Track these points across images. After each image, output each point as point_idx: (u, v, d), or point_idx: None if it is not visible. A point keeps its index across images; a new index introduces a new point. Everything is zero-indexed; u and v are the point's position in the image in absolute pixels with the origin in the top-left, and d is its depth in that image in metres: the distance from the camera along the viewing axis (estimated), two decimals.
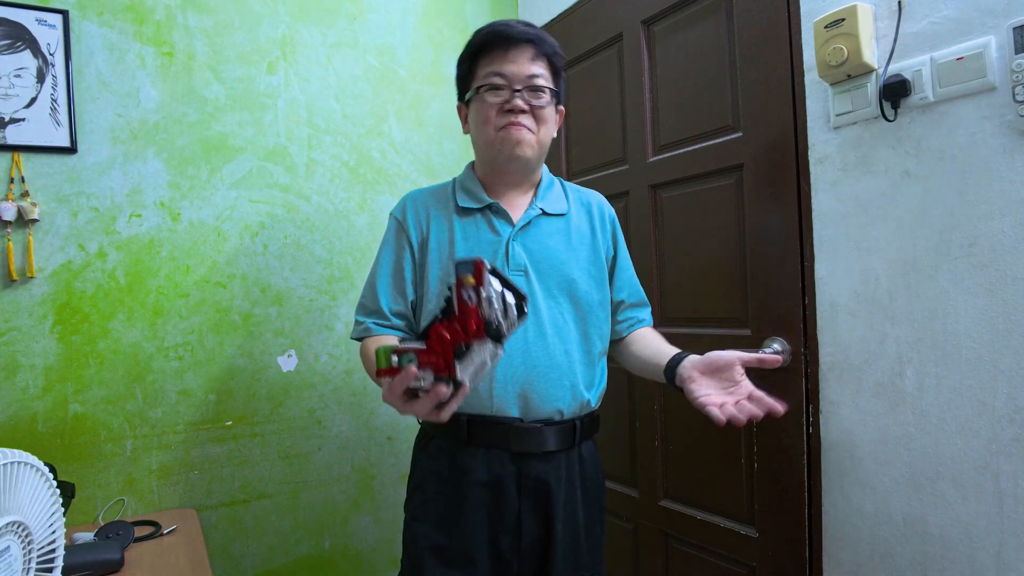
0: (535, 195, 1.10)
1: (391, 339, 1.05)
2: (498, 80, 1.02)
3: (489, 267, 0.72)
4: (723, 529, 1.37)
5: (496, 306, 0.71)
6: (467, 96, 1.08)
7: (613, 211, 1.19)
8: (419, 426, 1.12)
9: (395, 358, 0.72)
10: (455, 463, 1.01)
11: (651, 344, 1.12)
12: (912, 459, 1.05)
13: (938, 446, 1.01)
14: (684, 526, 1.46)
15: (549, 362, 1.00)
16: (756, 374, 1.30)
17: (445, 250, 1.05)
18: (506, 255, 1.03)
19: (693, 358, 0.98)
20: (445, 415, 0.75)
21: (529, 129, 1.03)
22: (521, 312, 0.74)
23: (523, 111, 1.02)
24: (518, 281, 1.02)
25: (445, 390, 0.71)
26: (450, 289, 0.72)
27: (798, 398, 1.22)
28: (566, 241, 1.08)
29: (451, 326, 0.70)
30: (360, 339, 1.09)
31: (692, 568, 1.45)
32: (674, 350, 1.05)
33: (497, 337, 0.71)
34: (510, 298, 0.73)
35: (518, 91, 1.01)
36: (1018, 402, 0.92)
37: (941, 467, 1.01)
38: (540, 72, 1.03)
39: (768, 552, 1.27)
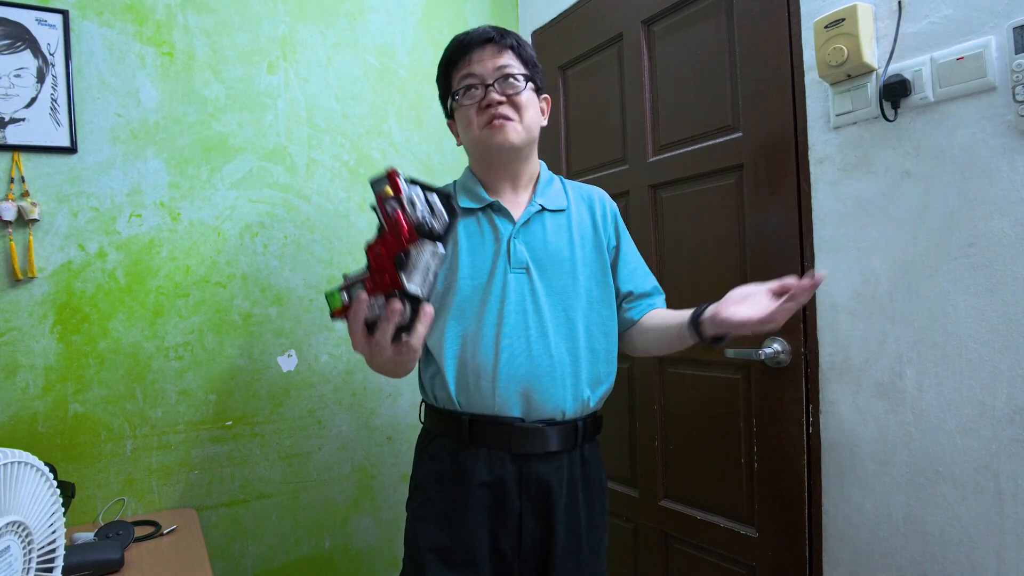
0: (534, 192, 1.10)
1: None
2: (470, 80, 1.04)
3: (405, 176, 0.70)
4: (723, 529, 1.37)
5: (420, 207, 0.70)
6: (448, 106, 1.10)
7: (615, 205, 1.19)
8: (421, 426, 1.12)
9: (344, 295, 0.69)
10: (457, 463, 1.01)
11: (668, 314, 1.08)
12: (912, 459, 1.05)
13: (938, 446, 1.01)
14: (684, 526, 1.46)
15: (551, 361, 1.00)
16: (758, 371, 1.30)
17: (449, 250, 1.05)
18: (508, 253, 1.03)
19: (717, 302, 0.93)
20: (415, 340, 0.71)
21: (509, 118, 1.03)
22: (451, 210, 0.72)
23: (500, 102, 1.02)
24: (520, 279, 1.02)
25: (399, 306, 0.67)
26: (373, 209, 0.70)
27: (798, 398, 1.22)
28: (568, 237, 1.08)
29: (384, 240, 0.68)
30: None
31: (692, 568, 1.45)
32: (692, 309, 1.00)
33: (431, 236, 0.69)
34: (435, 199, 0.71)
35: (490, 85, 1.03)
36: (1018, 402, 0.92)
37: (941, 467, 1.01)
38: (508, 63, 1.04)
39: (768, 552, 1.27)
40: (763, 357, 1.25)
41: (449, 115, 1.13)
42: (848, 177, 1.13)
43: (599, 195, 1.18)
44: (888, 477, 1.08)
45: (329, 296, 0.70)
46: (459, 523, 0.99)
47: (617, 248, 1.15)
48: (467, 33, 1.07)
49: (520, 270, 1.03)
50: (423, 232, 0.69)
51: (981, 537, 0.96)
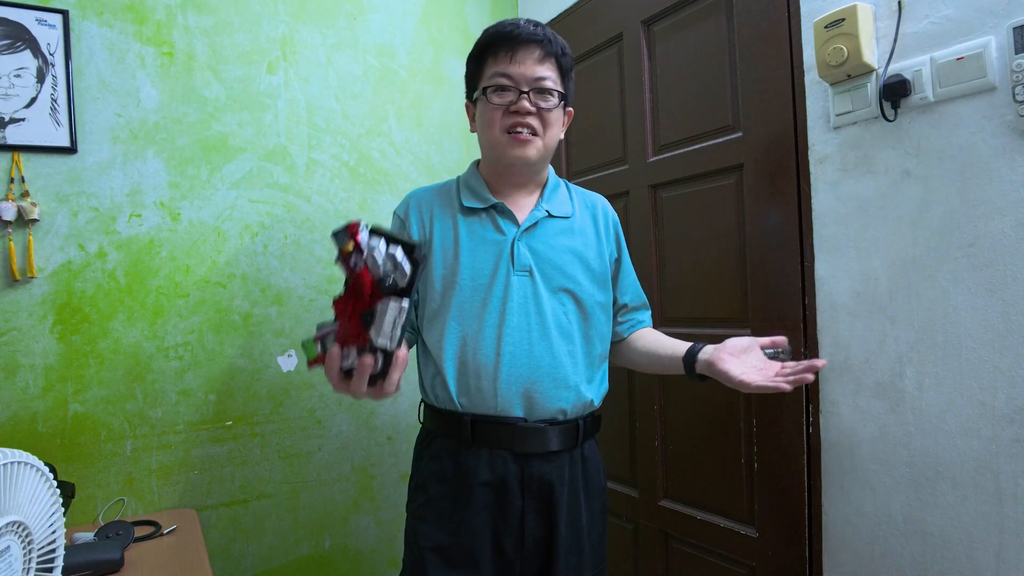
0: (541, 196, 1.10)
1: None
2: (504, 81, 1.01)
3: (367, 226, 0.70)
4: (723, 529, 1.37)
5: (382, 262, 0.70)
6: (474, 96, 1.08)
7: (615, 214, 1.20)
8: (421, 426, 1.12)
9: (318, 346, 0.71)
10: (458, 463, 1.01)
11: (660, 339, 1.15)
12: (912, 459, 1.05)
13: (938, 446, 1.01)
14: (684, 526, 1.46)
15: (553, 362, 1.00)
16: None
17: (449, 249, 1.05)
18: (511, 255, 1.03)
19: (713, 345, 1.02)
20: (389, 387, 0.73)
21: (534, 132, 1.02)
22: (413, 261, 0.71)
23: (529, 112, 1.01)
24: (523, 281, 1.02)
25: (370, 361, 0.70)
26: (337, 263, 0.71)
27: (798, 398, 1.22)
28: (571, 243, 1.08)
29: (349, 298, 0.69)
30: None
31: (692, 568, 1.45)
32: (687, 343, 1.08)
33: (394, 291, 0.69)
34: (398, 252, 0.70)
35: (524, 93, 1.00)
36: (1018, 402, 0.92)
37: (941, 467, 1.01)
38: (547, 74, 1.02)
39: (768, 552, 1.27)
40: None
41: (471, 98, 1.10)
42: (848, 177, 1.13)
43: (602, 203, 1.19)
44: (888, 477, 1.08)
45: (305, 345, 0.73)
46: (461, 522, 0.99)
47: (619, 260, 1.18)
48: (516, 25, 1.03)
49: (523, 272, 1.03)
50: (386, 289, 0.69)
51: (981, 537, 0.96)
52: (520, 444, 0.99)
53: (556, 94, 1.03)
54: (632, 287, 1.20)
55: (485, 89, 1.03)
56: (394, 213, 1.14)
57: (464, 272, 1.03)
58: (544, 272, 1.04)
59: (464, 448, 1.01)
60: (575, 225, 1.10)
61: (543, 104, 1.02)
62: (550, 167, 1.15)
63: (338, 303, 0.70)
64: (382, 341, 0.70)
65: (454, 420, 1.01)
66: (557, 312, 1.03)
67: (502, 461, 0.99)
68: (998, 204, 0.93)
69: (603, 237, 1.13)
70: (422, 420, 1.11)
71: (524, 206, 1.09)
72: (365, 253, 0.69)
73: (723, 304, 1.38)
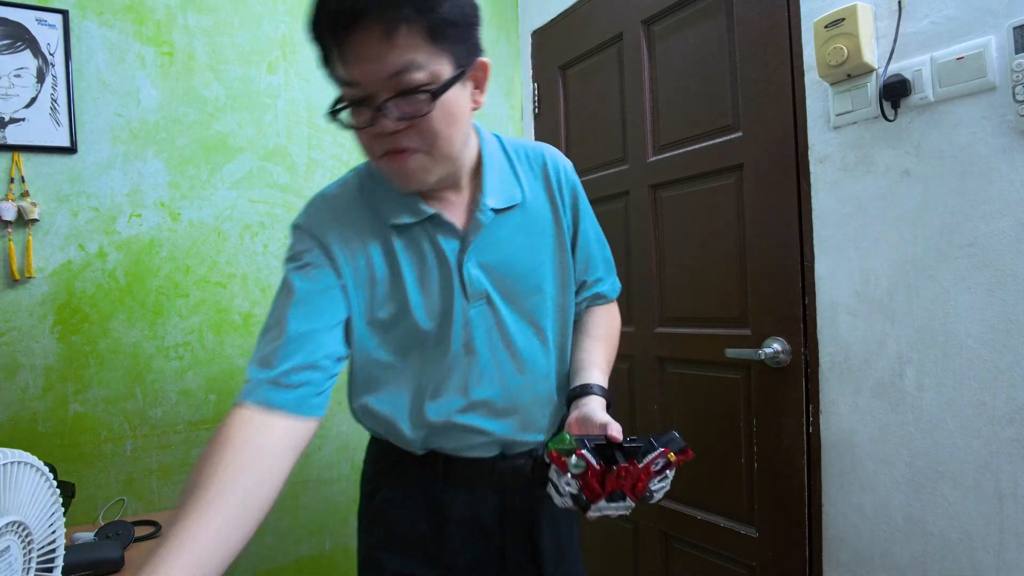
0: (480, 189, 0.82)
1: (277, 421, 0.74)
2: (353, 92, 0.70)
3: (682, 460, 0.78)
4: (723, 529, 1.37)
5: (663, 487, 0.77)
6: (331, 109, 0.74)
7: (570, 171, 0.92)
8: (370, 435, 0.96)
9: (574, 458, 0.72)
10: (428, 497, 0.89)
11: (581, 342, 0.93)
12: (912, 459, 1.05)
13: (938, 446, 1.01)
14: (684, 526, 1.46)
15: (533, 396, 0.88)
16: (758, 371, 1.30)
17: (386, 282, 0.81)
18: (462, 284, 0.81)
19: (585, 403, 0.82)
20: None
21: (414, 151, 0.72)
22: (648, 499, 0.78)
23: (396, 131, 0.70)
24: (482, 312, 0.84)
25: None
26: (653, 444, 0.76)
27: (798, 398, 1.22)
28: (528, 238, 0.86)
29: (632, 472, 0.74)
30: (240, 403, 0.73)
31: (692, 568, 1.45)
32: (586, 371, 0.87)
33: (636, 501, 0.75)
34: (667, 485, 0.79)
35: (380, 109, 0.68)
36: (1018, 402, 0.92)
37: (941, 467, 1.01)
38: (405, 59, 0.66)
39: (768, 552, 1.27)
40: (763, 357, 1.25)
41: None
42: (848, 177, 1.13)
43: (551, 159, 0.90)
44: (888, 477, 1.08)
45: (568, 438, 0.76)
46: (434, 554, 0.89)
47: (576, 229, 0.92)
48: None
49: (480, 301, 0.82)
50: (643, 498, 0.76)
51: (981, 537, 0.96)
52: (499, 481, 0.88)
53: (426, 93, 0.68)
54: (591, 258, 0.94)
55: (336, 111, 0.72)
56: (297, 227, 0.86)
57: (417, 313, 0.81)
58: (505, 290, 0.84)
59: (437, 481, 0.88)
60: (528, 209, 0.86)
61: (412, 110, 0.68)
62: (480, 132, 0.85)
63: (625, 467, 0.74)
64: (592, 512, 0.74)
65: (424, 458, 0.88)
66: (526, 333, 0.86)
67: (481, 498, 0.88)
68: (998, 204, 0.93)
69: (560, 210, 0.89)
70: (373, 433, 0.95)
71: (462, 205, 0.83)
72: (667, 473, 0.79)
73: (723, 304, 1.38)
